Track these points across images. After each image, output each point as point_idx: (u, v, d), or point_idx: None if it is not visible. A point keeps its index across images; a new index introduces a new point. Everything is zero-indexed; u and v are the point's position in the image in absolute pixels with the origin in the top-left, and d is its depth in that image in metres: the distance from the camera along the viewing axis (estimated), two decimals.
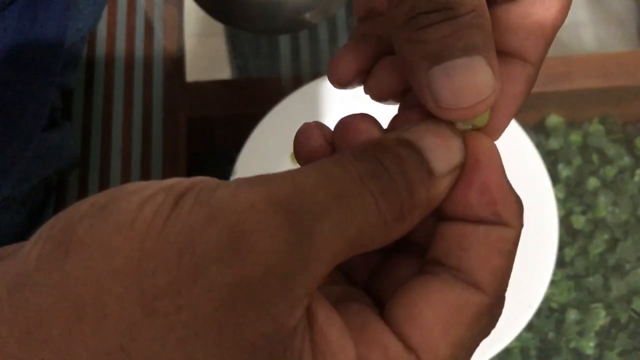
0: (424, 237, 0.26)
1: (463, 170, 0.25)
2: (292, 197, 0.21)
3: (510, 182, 0.26)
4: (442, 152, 0.24)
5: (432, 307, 0.23)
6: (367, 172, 0.23)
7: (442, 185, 0.24)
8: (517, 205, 0.25)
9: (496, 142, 0.66)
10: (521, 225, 0.25)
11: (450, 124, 0.25)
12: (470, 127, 0.26)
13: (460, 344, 0.23)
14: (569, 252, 0.68)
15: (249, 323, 0.20)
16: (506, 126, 0.28)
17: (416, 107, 0.26)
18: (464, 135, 0.26)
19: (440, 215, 0.25)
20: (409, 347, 0.23)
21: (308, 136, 0.27)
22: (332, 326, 0.22)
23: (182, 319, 0.20)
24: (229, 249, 0.20)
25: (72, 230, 0.21)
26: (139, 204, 0.21)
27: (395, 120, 0.27)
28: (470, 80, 0.24)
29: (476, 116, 0.25)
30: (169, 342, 0.20)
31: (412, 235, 0.27)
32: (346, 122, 0.26)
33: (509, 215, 0.24)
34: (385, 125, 0.27)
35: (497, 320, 0.25)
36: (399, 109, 0.29)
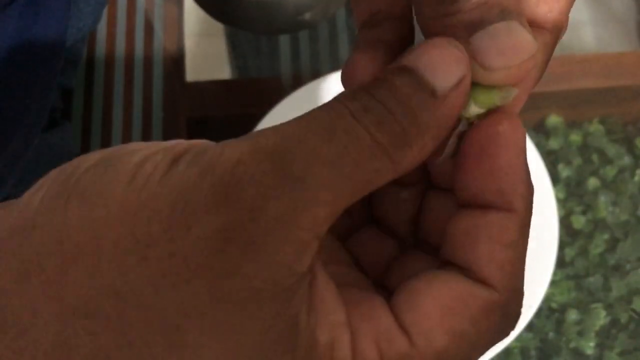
0: (439, 237, 0.25)
1: (476, 148, 0.24)
2: (278, 146, 0.21)
3: (529, 171, 0.24)
4: (441, 67, 0.23)
5: (434, 295, 0.23)
6: (360, 107, 0.22)
7: (450, 103, 0.23)
8: (526, 189, 0.24)
9: None
10: (528, 212, 0.24)
11: (448, 37, 0.24)
12: (498, 104, 0.25)
13: (462, 337, 0.22)
14: (569, 252, 0.68)
15: (245, 269, 0.20)
16: (524, 100, 0.27)
17: None
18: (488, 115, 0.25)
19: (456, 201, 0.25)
20: (403, 328, 0.22)
21: (355, 66, 0.27)
22: (328, 290, 0.22)
23: (174, 265, 0.20)
24: (217, 200, 0.21)
25: (75, 181, 0.22)
26: (140, 160, 0.22)
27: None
28: (514, 39, 0.24)
29: (510, 89, 0.25)
30: (161, 287, 0.21)
31: (428, 234, 0.27)
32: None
33: (514, 197, 0.24)
34: None
35: (515, 319, 0.24)
36: None
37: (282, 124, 0.22)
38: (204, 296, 0.20)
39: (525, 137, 0.25)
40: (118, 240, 0.21)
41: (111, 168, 0.22)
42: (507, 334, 0.24)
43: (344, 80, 0.28)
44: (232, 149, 0.21)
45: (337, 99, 0.23)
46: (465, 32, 0.24)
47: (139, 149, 0.22)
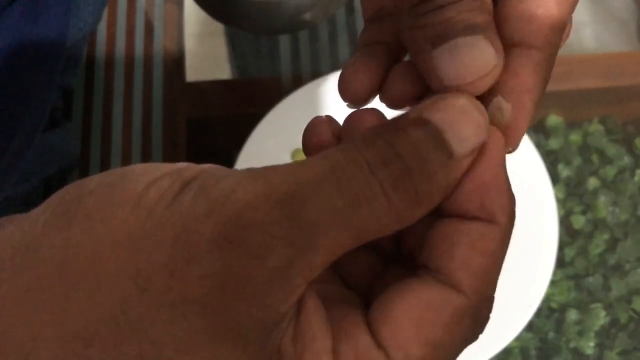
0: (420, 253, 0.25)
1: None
2: (291, 193, 0.21)
3: (510, 181, 0.24)
4: (463, 131, 0.22)
5: (405, 306, 0.23)
6: (378, 160, 0.22)
7: (463, 166, 0.23)
8: (508, 202, 0.24)
9: None
10: (509, 224, 0.24)
11: (472, 98, 0.23)
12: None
13: (436, 345, 0.23)
14: (569, 252, 0.68)
15: (239, 311, 0.21)
16: (526, 124, 0.26)
17: None
18: None
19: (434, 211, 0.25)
20: (379, 344, 0.22)
21: (317, 131, 0.27)
22: (316, 315, 0.23)
23: (172, 299, 0.21)
24: (220, 243, 0.21)
25: (79, 203, 0.22)
26: (146, 186, 0.22)
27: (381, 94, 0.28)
28: (471, 56, 0.24)
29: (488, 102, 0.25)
30: (157, 319, 0.21)
31: (411, 249, 0.27)
32: (355, 116, 0.27)
33: (496, 211, 0.23)
34: None
35: (484, 323, 0.24)
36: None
37: (299, 164, 0.22)
38: (200, 332, 0.21)
39: (501, 148, 0.25)
40: (119, 268, 0.21)
41: (116, 192, 0.22)
42: (476, 338, 0.24)
43: (340, 88, 0.29)
44: (244, 189, 0.21)
45: (356, 145, 0.22)
46: (430, 45, 0.25)
47: (144, 171, 0.22)
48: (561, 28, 0.27)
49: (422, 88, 0.27)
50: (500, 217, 0.23)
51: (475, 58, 0.24)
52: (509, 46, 0.26)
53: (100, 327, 0.21)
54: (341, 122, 0.28)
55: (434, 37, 0.25)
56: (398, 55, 0.29)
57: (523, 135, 0.26)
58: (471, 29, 0.24)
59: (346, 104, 0.29)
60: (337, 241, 0.21)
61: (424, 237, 0.25)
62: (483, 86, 0.24)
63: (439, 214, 0.24)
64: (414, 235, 0.27)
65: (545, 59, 0.26)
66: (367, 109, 0.27)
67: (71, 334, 0.21)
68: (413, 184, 0.22)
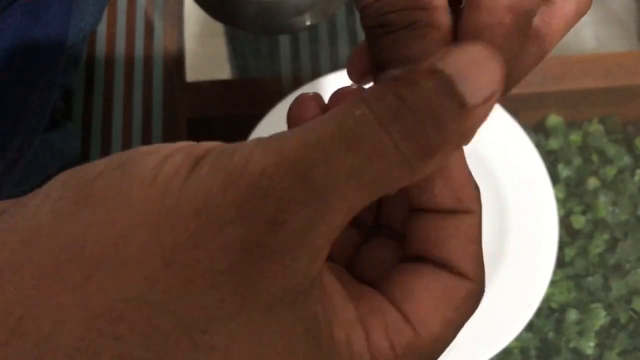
0: (400, 223, 0.28)
1: None
2: (302, 156, 0.21)
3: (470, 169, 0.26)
4: (476, 80, 0.22)
5: (426, 288, 0.25)
6: (388, 115, 0.22)
7: (477, 117, 0.22)
8: (476, 190, 0.26)
9: (497, 143, 0.67)
10: (481, 209, 0.26)
11: (488, 46, 0.23)
12: None
13: (449, 324, 0.25)
14: (569, 252, 0.68)
15: (266, 277, 0.21)
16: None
17: None
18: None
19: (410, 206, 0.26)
20: (407, 319, 0.24)
21: (303, 106, 0.28)
22: (334, 288, 0.23)
23: (199, 271, 0.21)
24: (240, 212, 0.21)
25: (88, 187, 0.22)
26: (159, 162, 0.22)
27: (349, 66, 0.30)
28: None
29: None
30: (186, 292, 0.21)
31: (389, 220, 0.28)
32: (340, 93, 0.27)
33: (470, 201, 0.26)
34: None
35: (479, 302, 0.26)
36: None
37: (308, 127, 0.22)
38: (230, 301, 0.21)
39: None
40: (142, 245, 0.21)
41: (128, 171, 0.22)
42: (471, 316, 0.26)
43: (348, 70, 0.30)
44: (257, 159, 0.21)
45: (365, 100, 0.22)
46: (375, 69, 0.27)
47: (151, 151, 0.22)
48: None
49: None
50: (474, 206, 0.26)
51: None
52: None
53: (127, 305, 0.21)
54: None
55: (377, 64, 0.28)
56: None
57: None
58: (405, 61, 0.27)
59: (350, 79, 0.31)
60: (352, 198, 0.22)
61: (400, 206, 0.27)
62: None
63: (418, 209, 0.26)
64: (391, 207, 0.28)
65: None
66: (352, 87, 0.27)
67: (95, 314, 0.21)
68: (425, 136, 0.22)
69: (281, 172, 0.21)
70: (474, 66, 0.22)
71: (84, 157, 0.66)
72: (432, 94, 0.22)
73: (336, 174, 0.21)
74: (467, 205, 0.25)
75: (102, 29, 0.70)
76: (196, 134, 0.69)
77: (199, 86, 0.70)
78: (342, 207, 0.22)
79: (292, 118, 0.28)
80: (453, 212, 0.25)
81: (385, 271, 0.26)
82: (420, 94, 0.22)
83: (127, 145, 0.67)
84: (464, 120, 0.22)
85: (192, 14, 0.77)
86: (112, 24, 0.71)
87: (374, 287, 0.25)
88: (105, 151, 0.66)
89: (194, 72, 0.72)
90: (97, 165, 0.22)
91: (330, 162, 0.21)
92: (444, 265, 0.25)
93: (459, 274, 0.25)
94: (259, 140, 0.22)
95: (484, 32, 0.27)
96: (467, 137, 0.23)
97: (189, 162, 0.22)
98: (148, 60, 0.69)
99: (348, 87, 0.28)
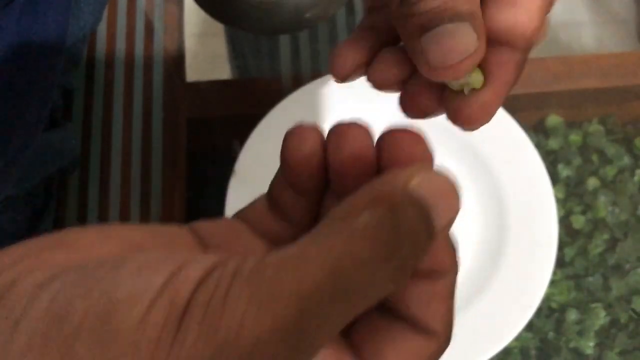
0: None
1: None
2: (296, 321, 0.21)
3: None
4: (446, 210, 0.24)
5: (396, 349, 0.26)
6: (381, 256, 0.22)
7: (438, 239, 0.24)
8: (453, 250, 0.26)
9: (497, 143, 0.67)
10: (457, 269, 0.27)
11: (448, 175, 0.25)
12: (469, 87, 0.28)
13: None
14: (569, 252, 0.68)
15: None
16: (494, 113, 0.30)
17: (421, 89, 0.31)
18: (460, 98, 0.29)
19: None
20: None
21: (303, 138, 0.27)
22: None
23: None
24: None
25: (70, 348, 0.20)
26: (140, 320, 0.20)
27: (401, 102, 0.31)
28: (455, 41, 0.28)
29: (467, 74, 0.28)
30: None
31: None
32: (340, 130, 0.27)
33: (447, 265, 0.26)
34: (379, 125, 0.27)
35: (443, 353, 0.27)
36: (401, 93, 0.32)
37: (302, 271, 0.21)
38: None
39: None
40: None
41: (110, 334, 0.20)
42: None
43: (330, 63, 0.32)
44: (251, 324, 0.20)
45: (359, 238, 0.22)
46: (418, 32, 0.28)
47: (135, 298, 0.21)
48: (538, 34, 0.30)
49: (406, 72, 0.31)
50: (451, 268, 0.26)
51: (457, 42, 0.28)
52: (495, 43, 0.29)
53: None
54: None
55: (422, 25, 0.28)
56: (389, 40, 0.32)
57: (490, 118, 0.30)
58: (456, 17, 0.28)
59: (334, 79, 0.32)
60: (337, 330, 0.22)
61: None
62: (465, 68, 0.28)
63: None
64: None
65: (523, 60, 0.30)
66: (353, 123, 0.27)
67: None
68: (405, 260, 0.23)
69: (275, 341, 0.20)
70: (443, 196, 0.24)
71: (84, 156, 0.66)
72: (415, 227, 0.23)
73: (327, 330, 0.21)
74: (444, 268, 0.26)
75: (102, 28, 0.70)
76: (196, 134, 0.69)
77: (199, 86, 0.70)
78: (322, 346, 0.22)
79: (289, 152, 0.27)
80: (429, 273, 0.26)
81: (360, 322, 0.26)
82: (406, 230, 0.23)
83: (127, 144, 0.67)
84: (429, 244, 0.23)
85: (192, 14, 0.77)
86: (112, 24, 0.71)
87: (345, 335, 0.26)
88: (106, 151, 0.66)
89: (194, 72, 0.73)
90: (76, 311, 0.21)
91: (323, 319, 0.21)
92: (416, 324, 0.26)
93: (429, 332, 0.26)
94: (251, 285, 0.21)
95: (517, 28, 0.29)
96: (425, 254, 0.24)
97: (172, 323, 0.20)
98: (148, 60, 0.69)
99: (348, 124, 0.27)
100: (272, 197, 0.29)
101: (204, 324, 0.20)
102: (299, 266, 0.21)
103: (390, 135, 0.26)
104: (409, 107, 0.32)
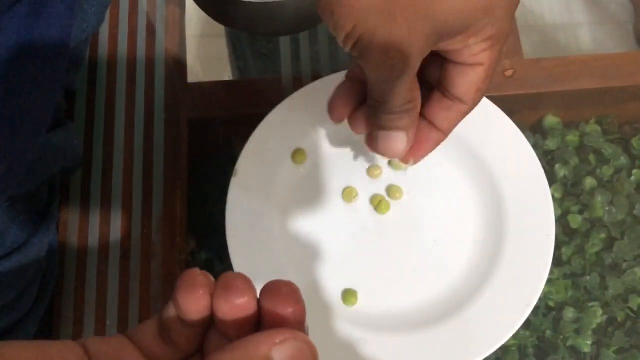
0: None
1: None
2: None
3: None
4: None
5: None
6: None
7: None
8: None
9: (495, 143, 0.70)
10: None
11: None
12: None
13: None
14: (566, 251, 0.68)
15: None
16: (425, 154, 0.52)
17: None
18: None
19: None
20: (454, 97, 0.47)
21: (194, 284, 0.31)
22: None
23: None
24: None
25: None
26: None
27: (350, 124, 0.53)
28: (391, 144, 0.48)
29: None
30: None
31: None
32: (227, 283, 0.31)
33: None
34: None
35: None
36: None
37: None
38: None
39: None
40: None
41: None
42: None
43: (329, 110, 0.53)
44: None
45: None
46: (375, 129, 0.49)
47: None
48: (454, 126, 0.50)
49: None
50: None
51: (393, 145, 0.48)
52: (449, 98, 0.48)
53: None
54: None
55: (376, 126, 0.48)
56: (362, 98, 0.51)
57: (422, 158, 0.51)
58: (396, 128, 0.47)
59: (332, 120, 0.53)
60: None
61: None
62: (397, 157, 0.50)
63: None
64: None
65: (468, 112, 0.49)
66: (239, 276, 0.31)
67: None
68: None
69: None
70: None
71: (86, 157, 0.66)
72: None
73: None
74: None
75: (104, 30, 0.71)
76: (197, 134, 0.69)
77: (200, 87, 0.70)
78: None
79: (180, 294, 0.31)
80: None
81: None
82: None
83: (129, 144, 0.67)
84: None
85: (194, 16, 0.77)
86: (114, 26, 0.71)
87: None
88: (108, 151, 0.67)
89: (195, 73, 0.73)
90: None
91: None
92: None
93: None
94: None
95: (470, 88, 0.47)
96: None
97: None
98: (150, 61, 0.70)
99: (232, 277, 0.31)
100: (162, 323, 0.32)
101: None
102: None
103: (269, 289, 0.31)
104: (372, 147, 0.50)
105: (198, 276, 0.31)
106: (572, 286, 0.67)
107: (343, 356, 0.58)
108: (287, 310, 0.30)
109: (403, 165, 0.52)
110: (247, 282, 0.31)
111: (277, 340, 0.28)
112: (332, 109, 0.52)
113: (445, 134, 0.49)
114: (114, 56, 0.70)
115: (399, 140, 0.47)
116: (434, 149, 0.50)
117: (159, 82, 0.69)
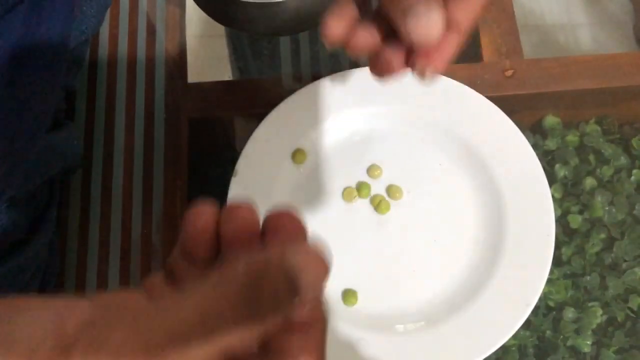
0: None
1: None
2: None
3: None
4: (313, 280, 0.27)
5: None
6: (244, 312, 0.26)
7: (308, 295, 0.27)
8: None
9: (495, 143, 0.69)
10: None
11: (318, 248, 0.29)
12: None
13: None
14: (566, 251, 0.68)
15: None
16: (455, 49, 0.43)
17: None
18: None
19: None
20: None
21: (201, 213, 0.32)
22: None
23: None
24: None
25: None
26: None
27: (371, 66, 0.43)
28: (427, 21, 0.39)
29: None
30: None
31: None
32: (232, 207, 0.32)
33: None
34: None
35: None
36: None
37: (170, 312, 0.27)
38: None
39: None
40: None
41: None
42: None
43: (324, 37, 0.43)
44: (128, 350, 0.25)
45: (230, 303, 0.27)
46: (403, 15, 0.39)
47: (26, 336, 0.25)
48: (473, 18, 0.41)
49: (378, 41, 0.42)
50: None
51: (431, 21, 0.39)
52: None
53: None
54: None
55: (405, 8, 0.39)
56: (364, 9, 0.43)
57: (444, 66, 0.42)
58: (427, 2, 0.39)
59: (326, 44, 0.43)
60: None
61: None
62: (435, 38, 0.39)
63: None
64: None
65: (463, 37, 0.42)
66: (243, 203, 0.32)
67: None
68: (265, 316, 0.27)
69: None
70: (312, 266, 0.27)
71: (86, 157, 0.66)
72: (280, 286, 0.26)
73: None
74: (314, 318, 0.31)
75: (104, 30, 0.71)
76: (198, 134, 0.69)
77: (201, 87, 0.70)
78: None
79: (188, 224, 0.32)
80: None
81: None
82: (270, 286, 0.26)
83: (129, 144, 0.67)
84: (295, 307, 0.27)
85: (194, 16, 0.77)
86: (114, 26, 0.71)
87: None
88: (108, 151, 0.67)
89: (195, 73, 0.73)
90: None
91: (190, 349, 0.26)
92: None
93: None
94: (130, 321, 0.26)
95: None
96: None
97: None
98: (150, 61, 0.70)
99: (240, 207, 0.32)
100: (167, 267, 0.33)
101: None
102: (173, 307, 0.26)
103: (272, 214, 0.31)
104: (380, 68, 0.42)
105: (204, 207, 0.32)
106: (572, 286, 0.67)
107: (343, 356, 0.58)
108: (290, 225, 0.31)
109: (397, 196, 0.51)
110: (251, 207, 0.32)
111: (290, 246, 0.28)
112: (328, 29, 0.43)
113: (462, 32, 0.42)
114: (114, 56, 0.70)
115: (436, 13, 0.38)
116: (453, 54, 0.43)
117: (159, 82, 0.69)
